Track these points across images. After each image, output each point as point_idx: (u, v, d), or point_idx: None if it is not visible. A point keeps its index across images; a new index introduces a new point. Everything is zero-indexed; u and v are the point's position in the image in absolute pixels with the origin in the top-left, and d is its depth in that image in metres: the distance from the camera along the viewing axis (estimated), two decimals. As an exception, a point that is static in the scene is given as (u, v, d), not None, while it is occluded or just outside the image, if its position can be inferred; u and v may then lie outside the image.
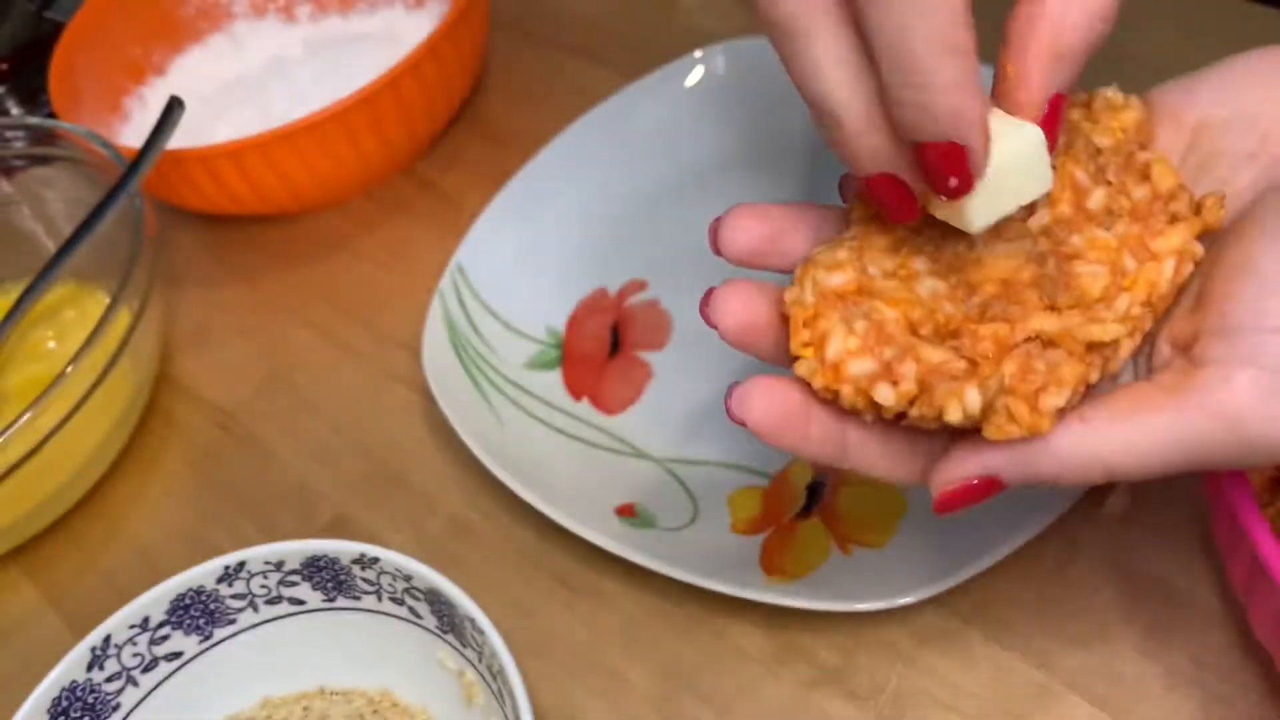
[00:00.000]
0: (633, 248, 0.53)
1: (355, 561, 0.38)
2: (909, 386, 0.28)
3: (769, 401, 0.30)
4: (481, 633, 0.35)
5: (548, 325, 0.51)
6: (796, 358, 0.30)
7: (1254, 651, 0.36)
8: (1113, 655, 0.37)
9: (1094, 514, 0.40)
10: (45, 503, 0.48)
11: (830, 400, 0.30)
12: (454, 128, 0.63)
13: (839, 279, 0.30)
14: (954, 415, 0.27)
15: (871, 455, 0.31)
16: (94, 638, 0.38)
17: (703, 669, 0.40)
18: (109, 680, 0.38)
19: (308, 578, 0.39)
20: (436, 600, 0.37)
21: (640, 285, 0.52)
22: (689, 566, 0.39)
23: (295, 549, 0.38)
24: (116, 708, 0.39)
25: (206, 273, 0.60)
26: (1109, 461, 0.27)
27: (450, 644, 0.38)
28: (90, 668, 0.38)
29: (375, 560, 0.37)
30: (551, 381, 0.49)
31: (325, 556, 0.38)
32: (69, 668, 0.37)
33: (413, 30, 0.65)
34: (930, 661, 0.38)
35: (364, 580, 0.38)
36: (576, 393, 0.49)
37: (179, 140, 0.54)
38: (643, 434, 0.47)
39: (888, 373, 0.28)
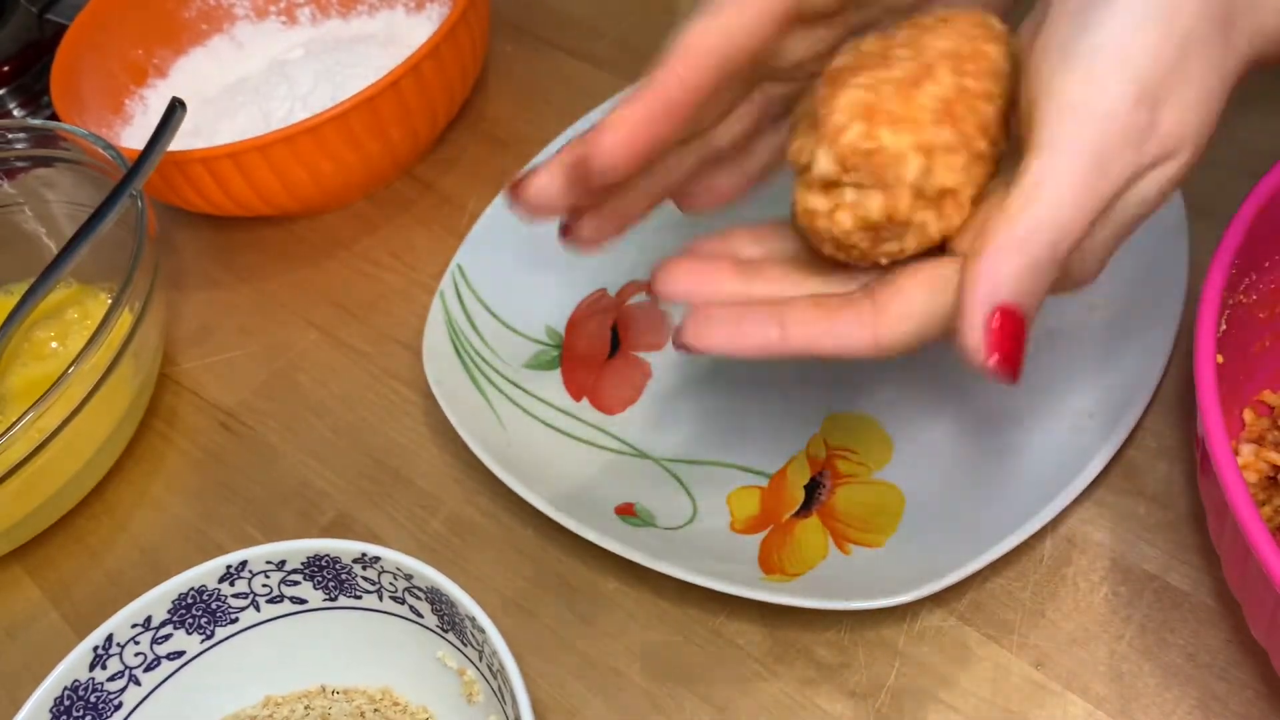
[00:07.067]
0: (632, 249, 0.53)
1: (356, 561, 0.38)
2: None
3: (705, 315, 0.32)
4: (482, 631, 0.35)
5: (548, 325, 0.51)
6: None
7: (1250, 650, 0.36)
8: (1110, 654, 0.37)
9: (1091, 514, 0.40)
10: (48, 502, 0.49)
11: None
12: (454, 129, 0.63)
13: None
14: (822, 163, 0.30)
15: (812, 329, 0.31)
16: (96, 637, 0.38)
17: (701, 667, 0.40)
18: (111, 679, 0.38)
19: (309, 577, 0.39)
20: (437, 599, 0.37)
21: (640, 286, 0.52)
22: (688, 565, 0.39)
23: (297, 548, 0.38)
24: (119, 706, 0.39)
25: (208, 273, 0.61)
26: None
27: (451, 642, 0.38)
28: (93, 667, 0.38)
29: (376, 559, 0.37)
30: (551, 381, 0.49)
31: (327, 556, 0.38)
32: (71, 667, 0.37)
33: (413, 32, 0.65)
34: (928, 659, 0.39)
35: (365, 579, 0.38)
36: (576, 393, 0.49)
37: (180, 142, 0.55)
38: (642, 434, 0.47)
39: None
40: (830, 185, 0.31)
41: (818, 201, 0.31)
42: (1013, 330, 0.28)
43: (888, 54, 0.31)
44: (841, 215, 0.31)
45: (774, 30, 0.32)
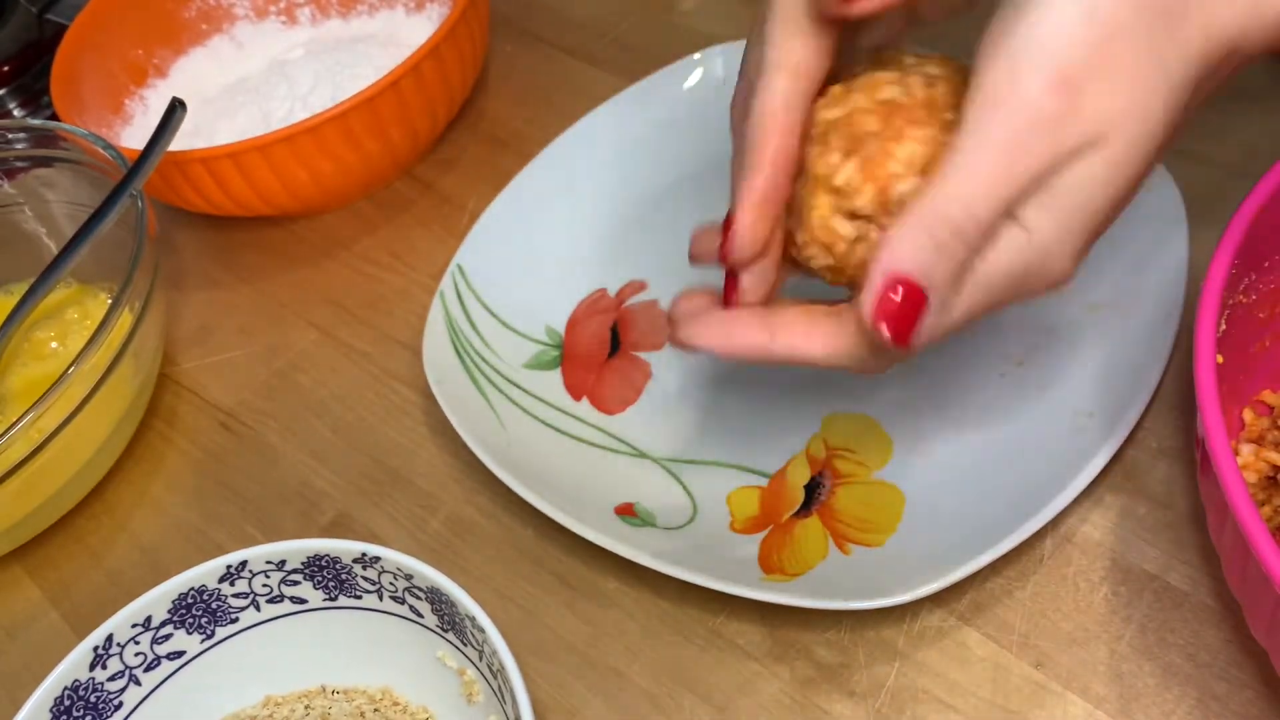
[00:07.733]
0: (632, 248, 0.53)
1: (356, 560, 0.38)
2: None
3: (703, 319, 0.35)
4: (482, 631, 0.35)
5: (548, 325, 0.51)
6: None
7: (1250, 650, 0.36)
8: (1109, 653, 0.37)
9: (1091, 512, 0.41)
10: (48, 502, 0.49)
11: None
12: (454, 129, 0.63)
13: None
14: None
15: (797, 335, 0.33)
16: (96, 637, 0.38)
17: (701, 667, 0.40)
18: (111, 679, 0.38)
19: (309, 577, 0.39)
20: (437, 599, 0.37)
21: (640, 286, 0.52)
22: (688, 565, 0.39)
23: (297, 548, 0.38)
24: (119, 706, 0.39)
25: (208, 273, 0.61)
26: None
27: (451, 642, 0.38)
28: (93, 667, 0.38)
29: (376, 559, 0.37)
30: (551, 381, 0.49)
31: (327, 555, 0.38)
32: (71, 667, 0.37)
33: (413, 32, 0.65)
34: (928, 659, 0.39)
35: (365, 579, 0.38)
36: (576, 393, 0.49)
37: (180, 142, 0.55)
38: (642, 434, 0.47)
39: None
40: (858, 216, 0.32)
41: (842, 226, 0.32)
42: (911, 304, 0.30)
43: (932, 104, 0.32)
44: (862, 249, 0.32)
45: (826, 61, 0.33)
